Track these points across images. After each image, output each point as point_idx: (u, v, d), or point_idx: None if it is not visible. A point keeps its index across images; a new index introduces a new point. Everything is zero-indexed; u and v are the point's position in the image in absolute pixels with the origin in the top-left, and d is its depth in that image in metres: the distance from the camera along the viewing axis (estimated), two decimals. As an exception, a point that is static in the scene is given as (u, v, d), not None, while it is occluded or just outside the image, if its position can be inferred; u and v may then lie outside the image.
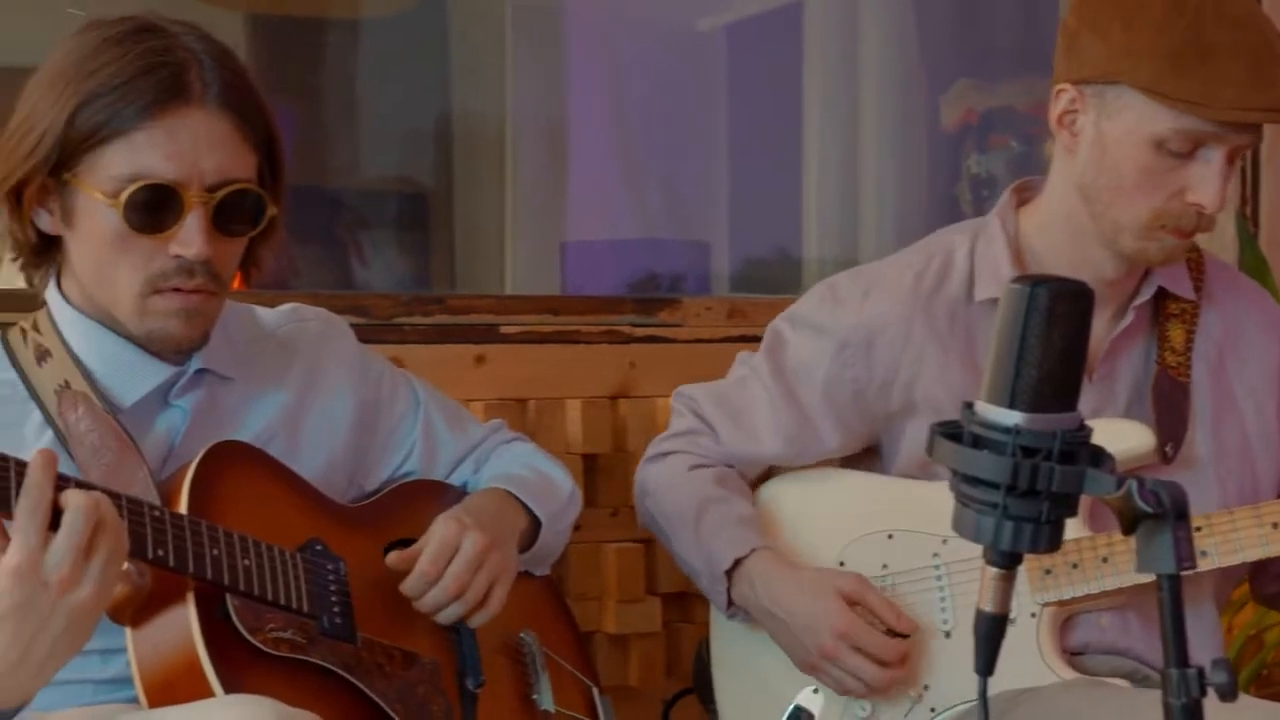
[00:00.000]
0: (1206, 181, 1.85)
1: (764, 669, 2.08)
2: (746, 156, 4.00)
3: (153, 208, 1.60)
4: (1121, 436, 1.93)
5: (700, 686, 2.23)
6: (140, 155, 1.59)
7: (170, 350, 1.68)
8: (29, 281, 1.75)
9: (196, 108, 1.61)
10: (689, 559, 2.08)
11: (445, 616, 1.77)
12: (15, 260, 1.73)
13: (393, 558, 1.77)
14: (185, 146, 1.60)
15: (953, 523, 1.19)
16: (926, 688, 2.00)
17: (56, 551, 1.39)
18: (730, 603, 2.04)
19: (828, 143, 3.77)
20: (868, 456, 2.15)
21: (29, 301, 1.78)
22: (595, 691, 2.03)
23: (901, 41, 3.75)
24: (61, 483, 1.43)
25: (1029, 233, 2.03)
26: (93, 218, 1.62)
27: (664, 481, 2.13)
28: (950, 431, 1.17)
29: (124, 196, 1.59)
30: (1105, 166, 1.90)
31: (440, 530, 1.78)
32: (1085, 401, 1.98)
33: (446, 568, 1.75)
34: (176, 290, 1.63)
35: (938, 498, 1.96)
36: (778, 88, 3.91)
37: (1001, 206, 2.06)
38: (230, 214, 1.64)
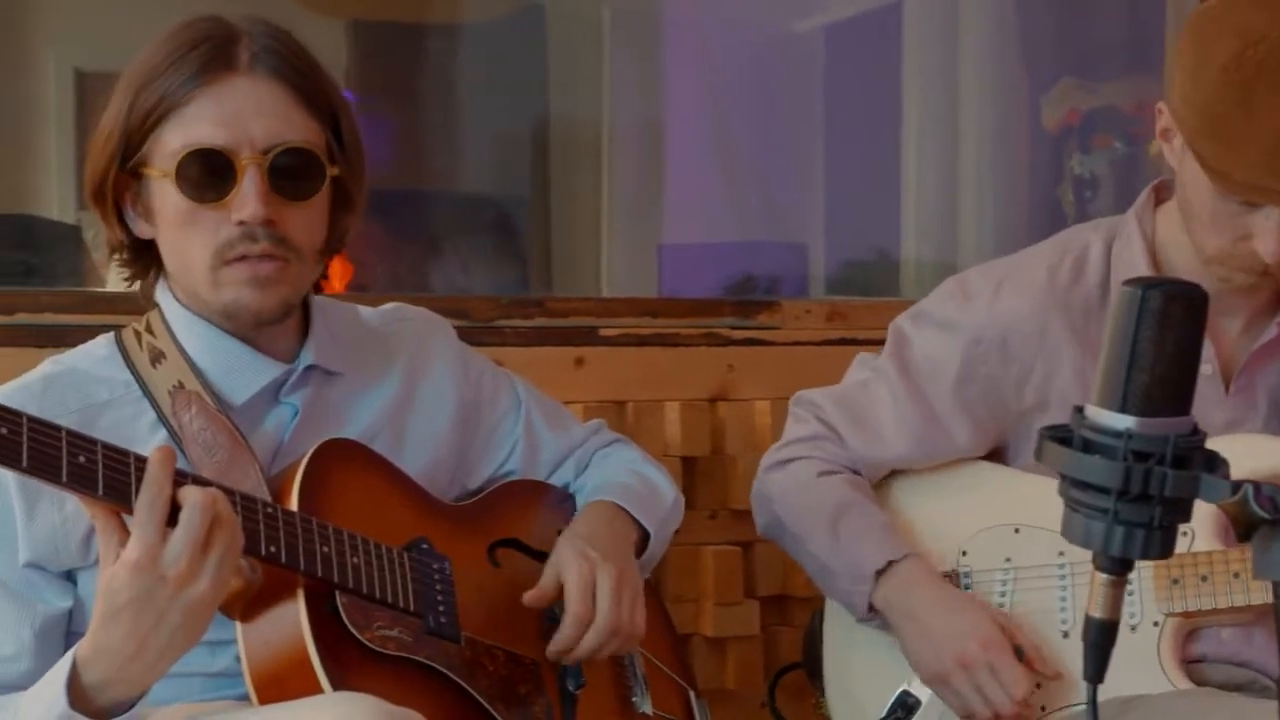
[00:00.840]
0: (1267, 234, 1.82)
1: (877, 651, 2.07)
2: (843, 158, 3.99)
3: (207, 175, 1.61)
4: (1266, 454, 1.90)
5: (809, 661, 2.22)
6: (190, 126, 1.61)
7: (251, 324, 1.68)
8: (132, 284, 1.79)
9: (243, 75, 1.62)
10: (825, 561, 2.05)
11: (605, 653, 1.79)
12: (117, 263, 1.76)
13: (530, 597, 1.78)
14: (232, 112, 1.61)
15: (1062, 528, 1.17)
16: (1038, 686, 1.98)
17: (174, 546, 1.41)
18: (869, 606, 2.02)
19: (927, 143, 3.74)
20: (991, 456, 2.12)
21: (135, 303, 1.81)
22: (692, 695, 2.03)
23: (1003, 41, 3.72)
24: (179, 479, 1.45)
25: (1164, 234, 2.00)
26: (162, 200, 1.64)
27: (792, 486, 2.10)
28: (1060, 435, 1.16)
29: (175, 167, 1.60)
30: (1187, 195, 1.90)
31: (572, 567, 1.78)
32: (1223, 413, 1.99)
33: (594, 606, 1.77)
34: (243, 259, 1.63)
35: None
36: (876, 88, 3.89)
37: (1139, 206, 2.03)
38: (286, 175, 1.63)
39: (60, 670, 1.45)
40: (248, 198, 1.61)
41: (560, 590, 1.79)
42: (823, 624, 2.16)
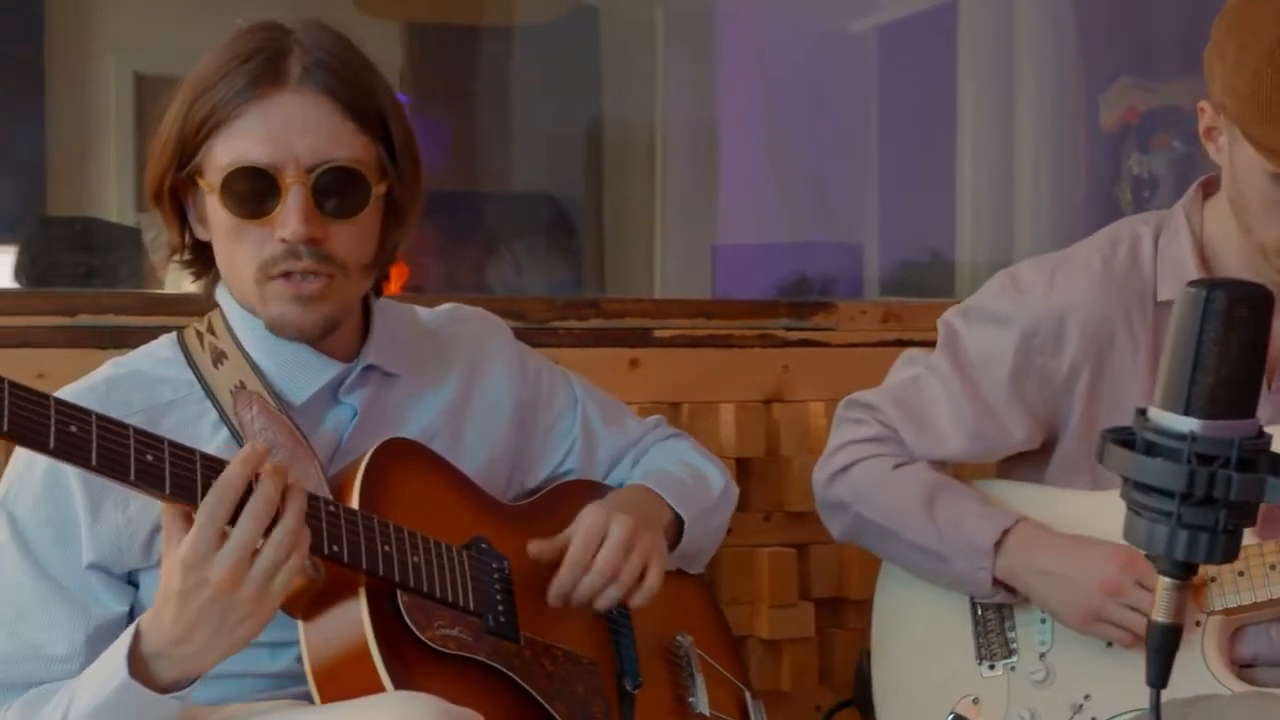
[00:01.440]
0: None
1: (925, 679, 2.07)
2: (898, 158, 3.97)
3: (251, 192, 1.62)
4: None
5: (860, 697, 2.21)
6: (238, 142, 1.62)
7: (294, 338, 1.69)
8: (195, 281, 1.80)
9: (291, 91, 1.62)
10: (931, 547, 2.03)
11: (603, 600, 1.76)
12: (177, 264, 1.78)
13: (535, 545, 1.76)
14: (278, 129, 1.61)
15: (1124, 531, 1.16)
16: (1088, 697, 1.97)
17: (223, 553, 1.43)
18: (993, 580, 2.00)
19: (982, 143, 3.72)
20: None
21: (196, 305, 1.83)
22: (749, 695, 2.03)
23: (1060, 40, 3.69)
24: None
25: (1212, 229, 1.99)
26: (214, 212, 1.66)
27: (870, 485, 2.08)
28: (1123, 438, 1.15)
29: (220, 184, 1.62)
30: (1239, 189, 1.88)
31: (587, 518, 1.78)
32: (1263, 410, 1.96)
33: (596, 554, 1.75)
34: (287, 275, 1.64)
35: (1104, 505, 1.94)
36: (931, 88, 3.87)
37: (1187, 200, 2.02)
38: (331, 194, 1.63)
39: (124, 639, 1.48)
40: (290, 216, 1.61)
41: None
42: (870, 663, 2.15)
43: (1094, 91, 3.68)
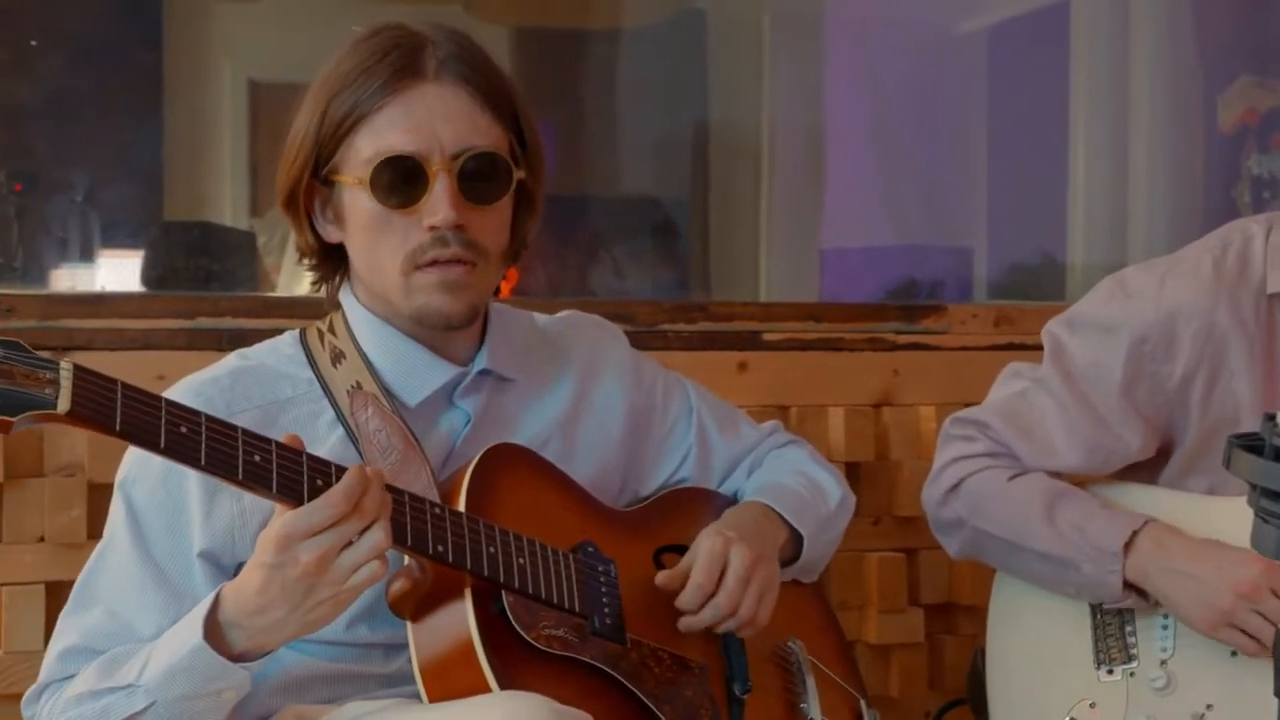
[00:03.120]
0: None
1: (1042, 681, 2.04)
2: (1008, 160, 3.92)
3: (399, 182, 1.65)
4: None
5: (973, 698, 2.19)
6: (382, 135, 1.65)
7: (440, 328, 1.71)
8: (318, 288, 1.83)
9: (430, 82, 1.66)
10: (1056, 554, 1.99)
11: (720, 630, 1.77)
12: (306, 268, 1.81)
13: (661, 577, 1.76)
14: (421, 119, 1.65)
15: (1251, 538, 1.14)
16: (1210, 707, 1.93)
17: (313, 541, 1.46)
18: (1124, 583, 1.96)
19: (1095, 144, 3.65)
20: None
21: (311, 308, 1.85)
22: (863, 703, 2.01)
23: (1176, 38, 3.61)
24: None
25: None
26: (355, 207, 1.68)
27: (986, 497, 2.06)
28: (1249, 444, 1.13)
29: (369, 175, 1.64)
30: None
31: (708, 544, 1.77)
32: None
33: (720, 582, 1.75)
34: (434, 263, 1.66)
35: (1229, 511, 1.90)
36: (1042, 88, 3.81)
37: None
38: (475, 180, 1.67)
39: (203, 605, 1.53)
40: (439, 203, 1.64)
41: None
42: (985, 662, 2.13)
43: (1212, 90, 3.60)
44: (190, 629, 1.52)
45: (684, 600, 1.74)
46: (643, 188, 4.02)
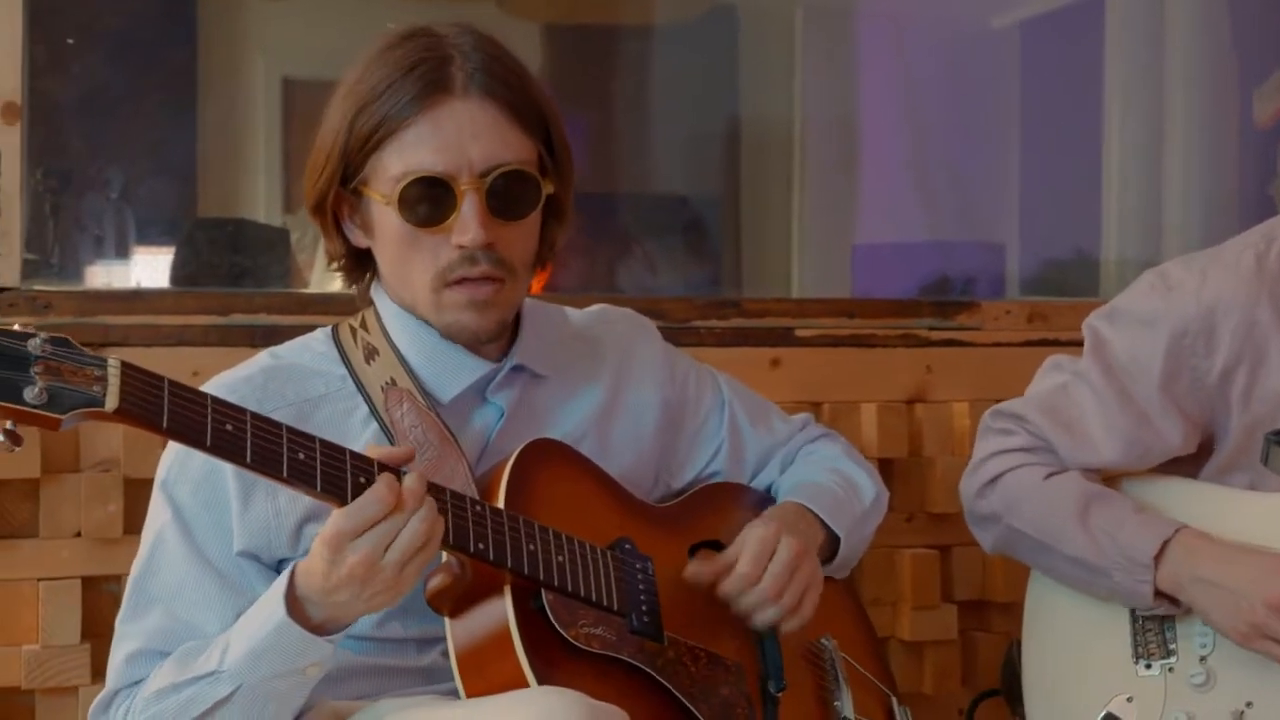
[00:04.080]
0: None
1: (1078, 674, 2.03)
2: (1041, 155, 3.90)
3: (427, 201, 1.65)
4: None
5: (1007, 689, 2.18)
6: (410, 152, 1.65)
7: (468, 342, 1.72)
8: (349, 287, 1.84)
9: (458, 98, 1.65)
10: (1088, 559, 1.98)
11: (761, 620, 1.76)
12: (335, 270, 1.81)
13: (692, 568, 1.76)
14: (450, 137, 1.64)
15: (1294, 537, 1.13)
16: (1250, 704, 1.91)
17: (359, 542, 1.47)
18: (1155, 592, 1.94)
19: (1129, 139, 3.63)
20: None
21: (345, 305, 1.86)
22: (894, 701, 2.00)
23: (1212, 32, 3.59)
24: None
25: None
26: (382, 222, 1.69)
27: (1022, 495, 2.04)
28: (1291, 441, 1.12)
29: (397, 194, 1.64)
30: None
31: (758, 533, 1.77)
32: None
33: (765, 569, 1.74)
34: (463, 281, 1.67)
35: (1272, 508, 1.89)
36: (1076, 83, 3.79)
37: None
38: (504, 197, 1.66)
39: (280, 582, 1.53)
40: (468, 223, 1.64)
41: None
42: (1020, 653, 2.12)
43: (1247, 85, 3.57)
44: (270, 608, 1.53)
45: (728, 586, 1.74)
46: (675, 184, 4.02)
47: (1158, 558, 1.92)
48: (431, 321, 1.71)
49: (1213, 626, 1.93)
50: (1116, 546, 1.95)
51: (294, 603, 1.52)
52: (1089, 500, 1.99)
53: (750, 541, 1.76)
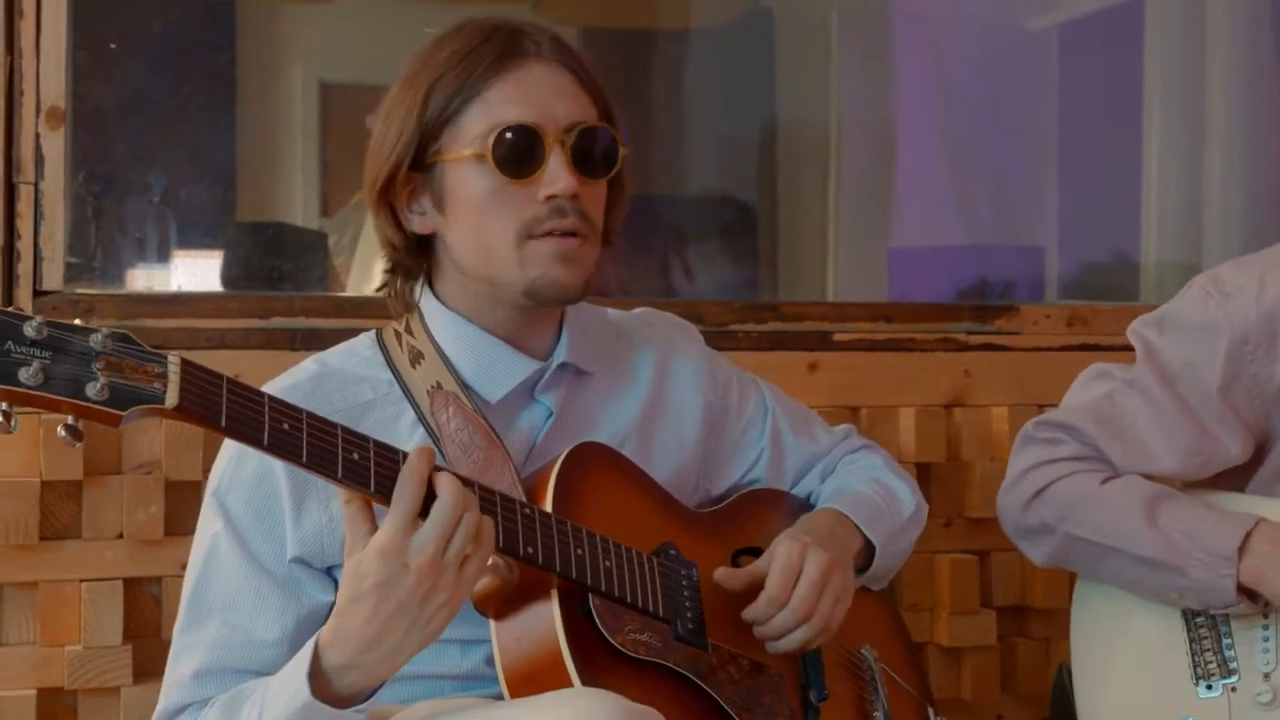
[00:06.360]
0: None
1: (1136, 700, 1.99)
2: (1080, 158, 3.87)
3: (519, 151, 1.66)
4: None
5: (1058, 715, 2.15)
6: (496, 109, 1.67)
7: (555, 302, 1.72)
8: (393, 288, 1.82)
9: (536, 60, 1.69)
10: (1162, 559, 1.92)
11: (789, 641, 1.75)
12: (389, 267, 1.80)
13: (722, 573, 1.74)
14: (534, 93, 1.67)
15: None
16: None
17: (420, 538, 1.44)
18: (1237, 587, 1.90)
19: (1170, 141, 3.60)
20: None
21: (383, 308, 1.86)
22: (930, 710, 2.00)
23: (1253, 33, 3.56)
24: (439, 473, 1.48)
25: None
26: (465, 183, 1.69)
27: (1078, 502, 1.99)
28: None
29: (491, 143, 1.66)
30: None
31: (784, 551, 1.75)
32: None
33: (793, 590, 1.73)
34: (550, 234, 1.68)
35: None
36: (1115, 86, 3.77)
37: None
38: (587, 153, 1.69)
39: (303, 657, 1.49)
40: (558, 173, 1.66)
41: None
42: (1071, 678, 2.07)
43: (1289, 87, 3.55)
44: (295, 682, 1.48)
45: (755, 611, 1.73)
46: (711, 187, 4.01)
47: (1240, 550, 1.88)
48: (514, 282, 1.69)
49: None
50: (1194, 542, 1.90)
51: (319, 678, 1.48)
52: (1155, 499, 1.95)
53: (776, 562, 1.74)
